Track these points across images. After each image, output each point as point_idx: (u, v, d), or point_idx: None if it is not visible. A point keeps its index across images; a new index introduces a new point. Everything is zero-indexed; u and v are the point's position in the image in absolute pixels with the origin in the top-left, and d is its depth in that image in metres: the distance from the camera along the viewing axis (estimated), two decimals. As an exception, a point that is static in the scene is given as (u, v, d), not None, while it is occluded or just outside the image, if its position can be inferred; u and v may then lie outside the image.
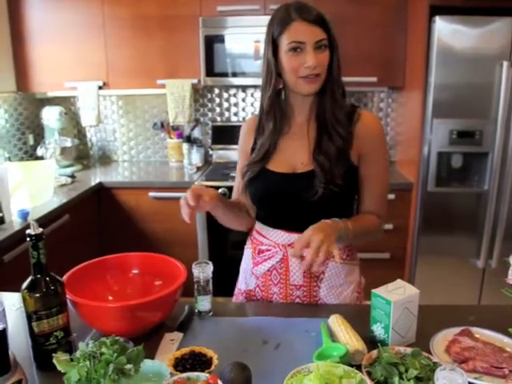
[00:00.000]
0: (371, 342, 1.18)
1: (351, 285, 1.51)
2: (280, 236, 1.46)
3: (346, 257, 1.50)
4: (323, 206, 1.38)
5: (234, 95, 3.68)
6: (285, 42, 1.32)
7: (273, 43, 1.35)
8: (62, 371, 0.91)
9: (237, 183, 1.61)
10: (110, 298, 1.39)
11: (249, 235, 1.61)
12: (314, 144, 1.41)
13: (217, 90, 3.68)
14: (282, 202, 1.43)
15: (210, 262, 1.37)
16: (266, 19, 3.13)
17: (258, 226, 1.54)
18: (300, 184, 1.40)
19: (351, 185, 1.43)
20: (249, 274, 1.56)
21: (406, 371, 1.01)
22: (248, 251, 1.58)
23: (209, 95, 3.69)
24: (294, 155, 1.44)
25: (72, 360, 0.92)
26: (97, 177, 3.32)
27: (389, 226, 2.98)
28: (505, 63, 2.62)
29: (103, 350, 0.91)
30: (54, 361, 0.91)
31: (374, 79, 3.13)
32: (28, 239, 1.05)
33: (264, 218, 1.51)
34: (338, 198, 1.39)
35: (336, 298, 1.49)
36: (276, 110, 1.42)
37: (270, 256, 1.47)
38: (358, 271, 1.55)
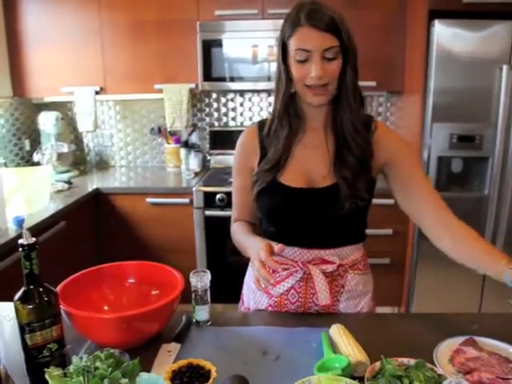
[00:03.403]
0: (373, 353, 1.15)
1: (368, 294, 1.49)
2: (299, 253, 1.38)
3: (363, 267, 1.46)
4: (347, 220, 1.35)
5: (232, 100, 3.66)
6: (292, 48, 1.24)
7: (283, 46, 1.27)
8: (55, 387, 0.88)
9: (237, 202, 1.51)
10: (106, 307, 1.36)
11: None
12: (333, 156, 1.34)
13: (214, 95, 3.66)
14: (302, 218, 1.35)
15: (208, 271, 1.34)
16: (264, 24, 3.13)
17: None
18: (323, 200, 1.34)
19: (371, 198, 1.38)
20: (259, 294, 1.47)
21: (411, 384, 0.98)
22: None
23: (206, 100, 3.67)
24: (311, 167, 1.36)
25: (65, 375, 0.89)
26: (94, 182, 3.29)
27: (388, 231, 2.96)
28: (504, 67, 2.60)
29: (97, 364, 0.89)
30: (47, 376, 0.89)
31: (373, 83, 3.11)
32: (20, 249, 1.02)
33: (277, 234, 1.41)
34: (362, 212, 1.36)
35: (354, 308, 1.45)
36: (290, 113, 1.35)
37: (288, 275, 1.39)
38: (372, 278, 1.52)
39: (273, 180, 1.35)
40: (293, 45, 1.24)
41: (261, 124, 1.45)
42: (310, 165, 1.36)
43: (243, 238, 1.40)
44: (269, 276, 1.14)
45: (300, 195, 1.34)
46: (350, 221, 1.36)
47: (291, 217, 1.37)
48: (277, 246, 1.19)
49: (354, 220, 1.37)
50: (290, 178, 1.35)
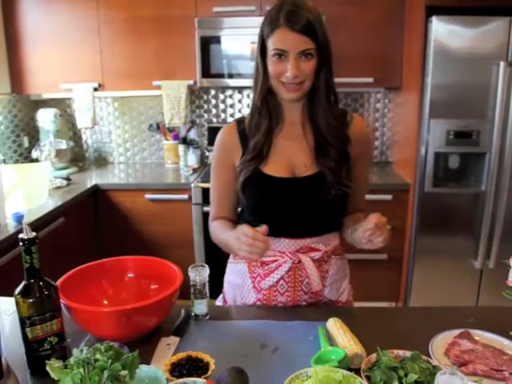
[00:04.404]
0: (370, 346, 1.16)
1: (346, 277, 1.55)
2: (286, 244, 1.41)
3: (341, 251, 1.53)
4: (332, 207, 1.39)
5: (230, 96, 3.67)
6: (270, 47, 1.30)
7: (262, 43, 1.34)
8: (56, 378, 0.89)
9: (217, 200, 1.53)
10: (105, 302, 1.38)
11: None
12: (314, 148, 1.40)
13: (213, 92, 3.67)
14: (289, 208, 1.39)
15: (206, 266, 1.35)
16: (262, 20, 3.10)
17: None
18: (308, 188, 1.38)
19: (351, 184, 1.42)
20: (246, 290, 1.49)
21: (406, 375, 0.99)
22: (240, 266, 1.51)
23: (205, 96, 3.68)
24: (293, 157, 1.41)
25: (66, 367, 0.90)
26: (92, 179, 3.30)
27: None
28: (501, 63, 2.61)
29: (97, 356, 0.90)
30: (48, 368, 0.90)
31: (371, 80, 3.13)
32: (21, 244, 1.04)
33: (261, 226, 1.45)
34: (346, 199, 1.41)
35: (336, 292, 1.50)
36: (269, 105, 1.40)
37: (277, 266, 1.42)
38: (347, 263, 1.59)
39: (257, 171, 1.39)
40: (271, 44, 1.30)
41: (239, 121, 1.49)
42: (292, 156, 1.41)
43: (225, 233, 1.42)
44: (263, 244, 1.19)
45: (284, 184, 1.39)
46: (334, 208, 1.41)
47: (278, 207, 1.41)
48: (261, 228, 1.23)
49: (337, 207, 1.42)
50: (274, 169, 1.40)
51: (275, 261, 1.42)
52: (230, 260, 1.58)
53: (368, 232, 1.21)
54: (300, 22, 1.24)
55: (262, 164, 1.40)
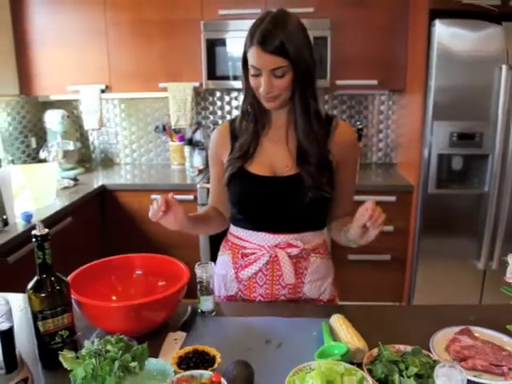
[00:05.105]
0: (372, 342, 1.19)
1: (329, 277, 1.58)
2: (265, 238, 1.49)
3: (324, 251, 1.56)
4: (310, 208, 1.45)
5: (236, 98, 3.70)
6: (248, 61, 1.36)
7: (245, 53, 1.38)
8: (68, 368, 0.92)
9: (212, 190, 1.65)
10: (114, 298, 1.41)
11: (223, 241, 1.64)
12: (295, 151, 1.45)
13: (218, 93, 3.70)
14: (269, 204, 1.46)
15: (212, 263, 1.39)
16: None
17: (236, 230, 1.56)
18: (287, 187, 1.44)
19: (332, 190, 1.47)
20: (229, 280, 1.57)
21: (407, 369, 1.02)
22: (226, 257, 1.59)
23: (210, 98, 3.72)
24: (275, 158, 1.47)
25: (78, 357, 0.93)
26: (99, 179, 3.34)
27: (389, 228, 2.99)
28: (504, 66, 2.63)
29: (108, 347, 0.93)
30: (61, 358, 0.93)
31: (375, 82, 3.15)
32: (34, 240, 1.07)
33: (244, 220, 1.52)
34: (325, 202, 1.47)
35: (317, 291, 1.54)
36: (256, 110, 1.46)
37: (255, 259, 1.49)
38: (332, 264, 1.62)
39: (242, 169, 1.47)
40: (248, 58, 1.35)
41: (232, 121, 1.58)
42: (275, 157, 1.48)
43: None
44: (156, 206, 1.32)
45: (266, 182, 1.46)
46: (312, 209, 1.46)
47: (258, 202, 1.48)
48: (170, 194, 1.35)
49: (316, 208, 1.48)
50: (258, 168, 1.47)
51: (254, 253, 1.50)
52: (219, 252, 1.65)
53: (370, 219, 1.22)
54: (273, 44, 1.28)
55: (248, 163, 1.47)
